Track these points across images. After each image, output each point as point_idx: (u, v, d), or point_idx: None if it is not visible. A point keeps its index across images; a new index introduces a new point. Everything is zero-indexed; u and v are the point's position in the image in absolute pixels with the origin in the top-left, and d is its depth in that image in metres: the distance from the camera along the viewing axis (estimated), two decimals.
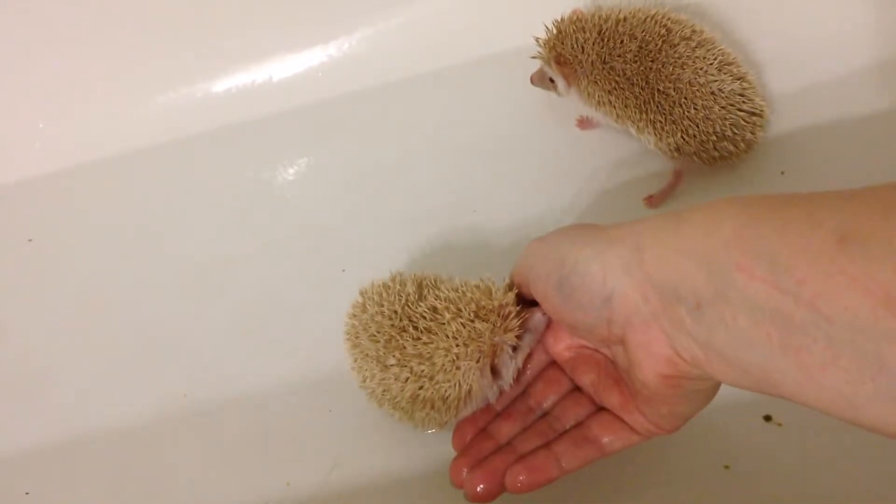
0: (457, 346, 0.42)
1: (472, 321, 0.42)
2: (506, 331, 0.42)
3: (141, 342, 0.59)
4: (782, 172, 0.59)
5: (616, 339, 0.36)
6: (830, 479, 0.46)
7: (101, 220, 0.67)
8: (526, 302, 0.43)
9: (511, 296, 0.43)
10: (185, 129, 0.69)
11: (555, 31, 0.58)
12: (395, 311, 0.44)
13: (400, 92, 0.69)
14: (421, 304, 0.44)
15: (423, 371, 0.42)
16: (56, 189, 0.69)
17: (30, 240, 0.66)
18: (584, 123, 0.64)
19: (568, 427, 0.42)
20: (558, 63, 0.58)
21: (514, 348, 0.43)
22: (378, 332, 0.44)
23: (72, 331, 0.61)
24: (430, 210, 0.62)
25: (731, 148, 0.55)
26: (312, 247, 0.62)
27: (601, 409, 0.41)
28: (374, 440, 0.51)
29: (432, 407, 0.43)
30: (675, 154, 0.57)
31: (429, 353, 0.42)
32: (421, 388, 0.43)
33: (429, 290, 0.45)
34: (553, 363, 0.44)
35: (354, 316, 0.47)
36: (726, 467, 0.46)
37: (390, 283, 0.46)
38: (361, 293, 0.47)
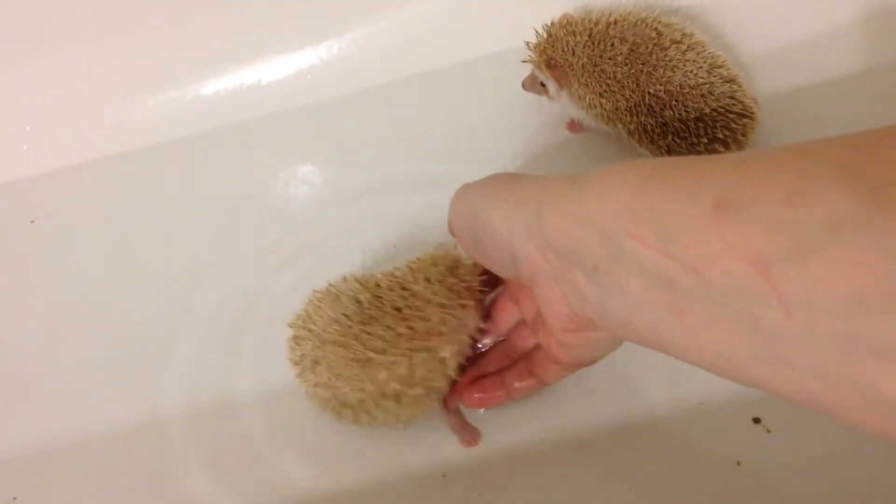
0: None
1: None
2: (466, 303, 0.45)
3: (129, 345, 0.58)
4: None
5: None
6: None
7: (89, 223, 0.66)
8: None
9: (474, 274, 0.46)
10: (174, 131, 0.69)
11: (545, 35, 0.58)
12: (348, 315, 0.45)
13: (390, 94, 0.68)
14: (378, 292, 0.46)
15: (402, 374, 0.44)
16: (44, 191, 0.68)
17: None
18: (574, 126, 0.64)
19: (518, 355, 0.46)
20: (549, 66, 0.58)
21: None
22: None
23: (59, 334, 0.60)
24: (423, 213, 0.61)
25: (722, 150, 0.55)
26: (301, 251, 0.61)
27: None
28: (363, 444, 0.50)
29: (425, 393, 0.46)
30: (666, 156, 0.57)
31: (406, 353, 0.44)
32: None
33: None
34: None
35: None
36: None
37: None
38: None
